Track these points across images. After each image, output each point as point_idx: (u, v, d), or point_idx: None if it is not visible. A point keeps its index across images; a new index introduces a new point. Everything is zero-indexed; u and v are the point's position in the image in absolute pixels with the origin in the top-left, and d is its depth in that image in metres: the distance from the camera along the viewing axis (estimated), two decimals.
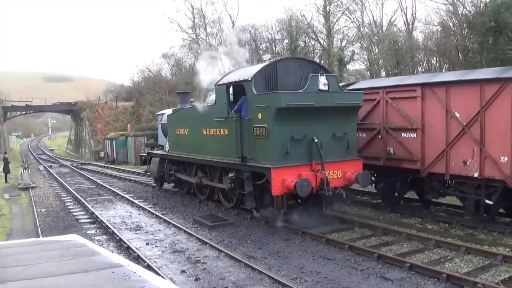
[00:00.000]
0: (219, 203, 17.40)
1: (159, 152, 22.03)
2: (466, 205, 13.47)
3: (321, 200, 14.06)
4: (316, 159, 13.15)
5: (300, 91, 13.30)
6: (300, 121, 13.10)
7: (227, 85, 14.91)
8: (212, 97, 16.57)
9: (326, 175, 13.08)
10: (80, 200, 20.49)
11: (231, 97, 15.18)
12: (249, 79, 13.68)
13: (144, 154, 25.10)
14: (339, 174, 13.62)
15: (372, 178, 16.64)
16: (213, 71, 16.59)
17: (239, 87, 14.57)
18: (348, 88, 16.88)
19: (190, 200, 19.43)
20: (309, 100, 13.04)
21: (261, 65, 14.81)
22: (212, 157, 16.03)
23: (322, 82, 13.29)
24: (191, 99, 20.90)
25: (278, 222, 13.78)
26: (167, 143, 20.58)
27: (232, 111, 14.54)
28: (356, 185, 18.16)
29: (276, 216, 13.72)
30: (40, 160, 51.14)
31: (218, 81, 15.54)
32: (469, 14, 30.54)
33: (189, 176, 19.00)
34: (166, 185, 22.89)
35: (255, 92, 13.50)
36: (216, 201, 17.59)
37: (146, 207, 18.29)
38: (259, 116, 13.32)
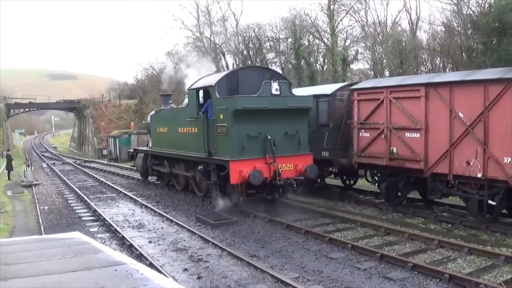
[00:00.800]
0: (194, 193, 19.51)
1: (144, 148, 25.18)
2: (469, 206, 13.46)
3: (276, 189, 15.97)
4: (270, 154, 15.49)
5: (255, 95, 15.53)
6: (255, 121, 15.41)
7: (197, 89, 17.31)
8: (186, 100, 18.92)
9: (279, 167, 15.41)
10: (83, 197, 20.52)
11: (201, 100, 17.31)
12: (213, 85, 16.07)
13: (131, 150, 28.15)
14: (291, 167, 15.98)
15: (375, 177, 16.67)
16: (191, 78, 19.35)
17: (206, 91, 16.85)
18: (352, 87, 16.95)
19: (193, 198, 19.45)
20: (262, 103, 15.39)
21: (224, 73, 17.53)
22: (186, 152, 18.41)
23: (275, 87, 15.55)
24: (170, 101, 22.96)
25: (237, 206, 16.02)
26: (150, 140, 23.61)
27: (201, 112, 16.95)
28: (359, 185, 18.27)
29: (236, 202, 15.97)
30: (43, 158, 51.21)
31: (190, 86, 17.98)
32: (473, 14, 30.47)
33: (168, 169, 21.41)
34: (150, 178, 25.09)
35: (218, 96, 15.90)
36: (191, 191, 19.77)
37: (149, 205, 18.31)
38: (221, 116, 15.67)
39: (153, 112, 23.43)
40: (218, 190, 16.50)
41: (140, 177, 26.29)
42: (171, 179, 21.96)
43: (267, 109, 15.41)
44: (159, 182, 23.76)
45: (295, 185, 15.88)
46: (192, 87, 17.76)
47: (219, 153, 16.01)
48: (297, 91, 22.09)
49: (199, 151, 17.12)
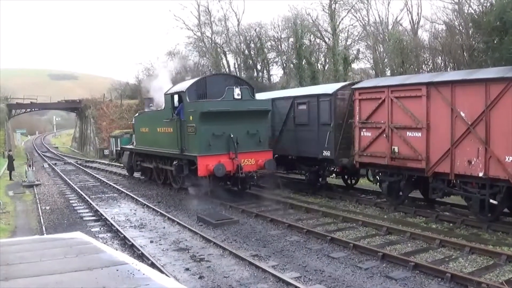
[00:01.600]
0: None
1: (129, 146, 27.43)
2: (470, 205, 13.44)
3: (239, 181, 18.82)
4: (233, 150, 17.72)
5: (219, 99, 17.88)
6: (220, 122, 17.61)
7: (172, 94, 19.69)
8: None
9: (241, 162, 17.67)
10: (85, 197, 20.54)
11: (176, 103, 19.40)
12: (184, 90, 18.49)
13: (118, 148, 31.22)
14: (252, 161, 18.20)
15: (377, 177, 16.67)
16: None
17: (179, 96, 19.10)
18: (353, 86, 16.97)
19: (194, 198, 19.49)
20: (225, 106, 17.73)
21: (194, 80, 19.93)
22: (164, 149, 20.76)
23: (237, 92, 17.95)
24: (150, 104, 24.86)
25: (205, 195, 18.10)
26: (134, 139, 26.00)
27: (175, 114, 19.20)
28: (361, 185, 18.27)
29: (205, 192, 17.96)
30: (44, 158, 51.24)
31: (166, 91, 20.46)
32: (474, 13, 30.48)
33: (150, 164, 23.61)
34: (135, 174, 27.24)
35: (188, 100, 18.20)
36: (169, 184, 21.94)
37: (150, 205, 18.32)
38: (191, 118, 17.95)
39: (137, 114, 25.80)
40: (190, 181, 18.83)
41: (127, 173, 28.42)
42: (153, 174, 23.91)
43: (229, 111, 17.76)
44: (143, 177, 25.99)
45: (255, 177, 18.48)
46: (168, 92, 20.21)
47: (190, 149, 18.30)
48: (298, 91, 22.26)
49: (174, 148, 19.40)
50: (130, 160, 26.23)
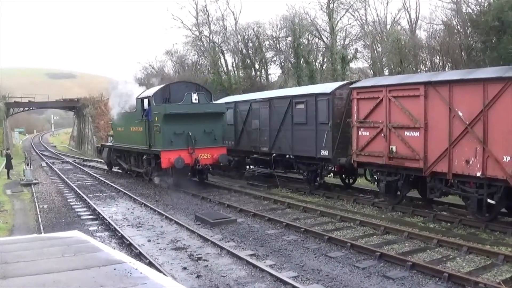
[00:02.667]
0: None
1: (108, 144, 30.56)
2: (468, 205, 13.47)
3: (197, 172, 22.41)
4: (191, 146, 21.28)
5: (179, 103, 21.37)
6: (180, 122, 21.10)
7: (142, 98, 23.30)
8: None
9: (198, 156, 21.25)
10: (82, 196, 20.52)
11: (145, 106, 22.90)
12: (151, 95, 22.30)
13: (99, 145, 35.84)
14: (208, 156, 21.71)
15: (375, 176, 16.69)
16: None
17: (148, 100, 22.65)
18: (351, 86, 17.03)
19: (192, 197, 19.51)
20: (184, 109, 21.17)
21: (160, 86, 23.82)
22: (135, 146, 24.40)
23: (194, 97, 21.48)
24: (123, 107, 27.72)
25: (167, 184, 21.82)
26: (113, 137, 29.62)
27: (144, 115, 22.84)
28: (359, 184, 18.31)
29: (167, 181, 21.84)
30: (42, 157, 51.13)
31: (138, 96, 23.99)
32: (472, 13, 30.50)
33: (125, 159, 27.48)
34: (113, 168, 30.72)
35: (154, 104, 21.87)
36: (141, 175, 25.12)
37: (148, 203, 18.32)
38: (156, 119, 21.56)
39: (115, 115, 28.13)
40: (156, 173, 22.48)
41: (106, 167, 31.99)
42: (129, 168, 27.14)
43: (188, 113, 21.17)
44: (121, 170, 29.56)
45: (210, 169, 22.39)
46: (139, 97, 23.71)
47: (155, 145, 21.84)
48: (296, 90, 22.35)
49: (143, 144, 23.06)
50: (109, 155, 29.68)
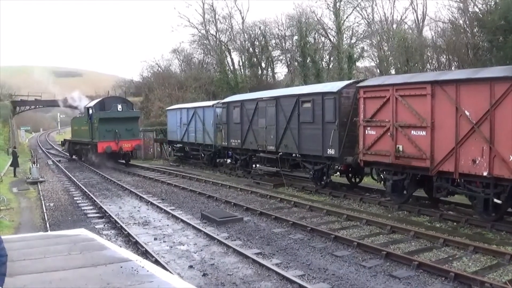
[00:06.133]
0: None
1: (68, 138, 45.42)
2: (474, 204, 13.42)
3: (122, 156, 34.35)
4: (117, 139, 32.42)
5: (109, 111, 33.26)
6: (110, 123, 32.67)
7: (87, 107, 35.73)
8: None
9: (122, 145, 32.59)
10: (89, 194, 20.57)
11: (90, 111, 34.58)
12: (92, 106, 34.80)
13: (62, 140, 54.01)
14: (129, 145, 33.34)
15: (381, 175, 16.65)
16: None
17: (91, 108, 34.46)
18: (358, 85, 17.03)
19: (198, 196, 19.51)
20: (112, 115, 32.94)
21: (98, 100, 36.83)
22: (84, 139, 36.39)
23: (119, 107, 33.54)
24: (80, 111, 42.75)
25: (102, 164, 32.66)
26: (72, 133, 43.51)
27: (88, 119, 34.50)
28: (365, 183, 18.25)
29: (101, 162, 33.10)
30: (49, 155, 51.31)
31: (85, 105, 37.30)
32: (479, 12, 30.36)
33: (79, 151, 39.56)
34: (73, 156, 41.55)
35: (94, 111, 33.88)
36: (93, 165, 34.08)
37: (154, 202, 18.35)
38: (95, 121, 33.19)
39: (73, 117, 42.93)
40: (94, 156, 33.84)
41: (69, 156, 43.42)
42: (82, 156, 38.33)
43: (114, 117, 32.81)
44: (76, 158, 40.91)
45: (131, 155, 35.13)
46: (86, 106, 36.78)
47: (95, 138, 33.30)
48: (302, 89, 22.33)
49: (89, 138, 34.77)
50: (70, 147, 42.86)
